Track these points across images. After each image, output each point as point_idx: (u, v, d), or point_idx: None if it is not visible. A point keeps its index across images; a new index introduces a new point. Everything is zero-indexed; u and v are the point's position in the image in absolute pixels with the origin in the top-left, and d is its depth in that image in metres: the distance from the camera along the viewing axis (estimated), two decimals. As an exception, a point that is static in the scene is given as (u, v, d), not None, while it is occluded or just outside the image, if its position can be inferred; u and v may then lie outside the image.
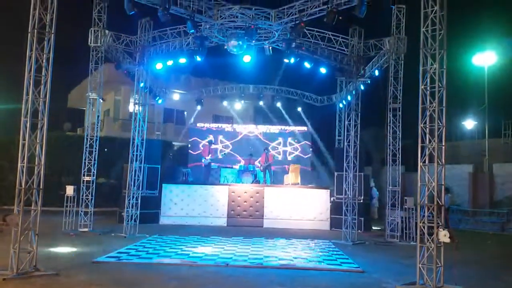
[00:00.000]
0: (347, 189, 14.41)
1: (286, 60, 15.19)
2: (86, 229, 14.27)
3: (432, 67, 8.36)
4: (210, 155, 19.65)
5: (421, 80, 8.44)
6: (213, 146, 21.12)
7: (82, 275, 8.12)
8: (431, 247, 7.92)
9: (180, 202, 17.69)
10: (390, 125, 14.94)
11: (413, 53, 10.65)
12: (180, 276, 8.53)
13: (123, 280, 7.97)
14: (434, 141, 8.14)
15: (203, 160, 19.78)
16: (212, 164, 20.49)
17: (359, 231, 14.88)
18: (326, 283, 8.18)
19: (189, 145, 24.12)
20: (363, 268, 9.65)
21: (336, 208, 16.70)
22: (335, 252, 11.81)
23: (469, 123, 32.77)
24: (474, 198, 21.42)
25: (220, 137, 23.75)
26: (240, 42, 13.71)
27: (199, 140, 23.46)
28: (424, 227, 8.12)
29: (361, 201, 14.97)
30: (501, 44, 26.21)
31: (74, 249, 11.13)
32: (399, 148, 14.94)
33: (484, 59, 25.26)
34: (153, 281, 8.03)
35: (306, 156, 23.71)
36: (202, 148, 21.83)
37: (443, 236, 7.76)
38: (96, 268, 8.89)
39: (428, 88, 8.35)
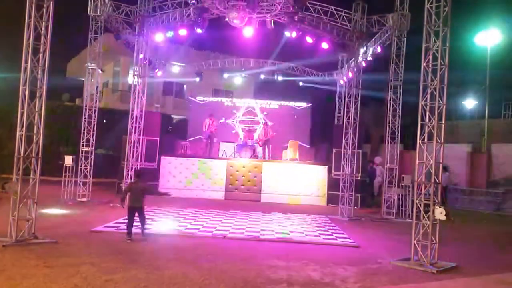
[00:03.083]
0: (345, 166, 14.46)
1: (287, 34, 14.97)
2: (84, 199, 14.38)
3: (435, 44, 8.27)
4: (210, 128, 19.54)
5: (423, 57, 8.37)
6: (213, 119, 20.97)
7: (80, 244, 8.21)
8: (426, 224, 7.99)
9: (178, 175, 17.78)
10: (390, 103, 14.91)
11: (416, 30, 10.54)
12: (177, 246, 8.64)
13: (121, 249, 8.05)
14: (434, 119, 8.12)
15: (204, 130, 19.60)
16: (215, 139, 20.40)
17: (356, 207, 15.00)
18: (321, 257, 8.27)
19: (188, 119, 24.03)
20: (359, 243, 9.77)
21: (333, 185, 16.77)
22: (331, 227, 11.93)
23: (469, 103, 32.74)
24: (471, 178, 21.53)
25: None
26: (242, 15, 13.48)
27: (198, 113, 23.29)
28: (420, 205, 8.18)
29: (358, 178, 15.02)
30: (506, 23, 25.95)
31: (72, 218, 11.23)
32: (398, 126, 14.95)
33: (488, 38, 25.02)
34: (151, 251, 8.12)
35: (305, 132, 23.60)
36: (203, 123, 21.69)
37: (439, 213, 7.82)
38: (94, 237, 8.99)
39: (430, 66, 8.28)
